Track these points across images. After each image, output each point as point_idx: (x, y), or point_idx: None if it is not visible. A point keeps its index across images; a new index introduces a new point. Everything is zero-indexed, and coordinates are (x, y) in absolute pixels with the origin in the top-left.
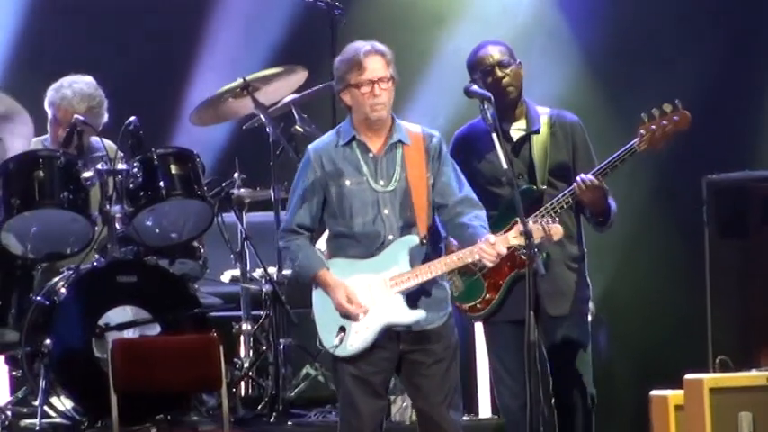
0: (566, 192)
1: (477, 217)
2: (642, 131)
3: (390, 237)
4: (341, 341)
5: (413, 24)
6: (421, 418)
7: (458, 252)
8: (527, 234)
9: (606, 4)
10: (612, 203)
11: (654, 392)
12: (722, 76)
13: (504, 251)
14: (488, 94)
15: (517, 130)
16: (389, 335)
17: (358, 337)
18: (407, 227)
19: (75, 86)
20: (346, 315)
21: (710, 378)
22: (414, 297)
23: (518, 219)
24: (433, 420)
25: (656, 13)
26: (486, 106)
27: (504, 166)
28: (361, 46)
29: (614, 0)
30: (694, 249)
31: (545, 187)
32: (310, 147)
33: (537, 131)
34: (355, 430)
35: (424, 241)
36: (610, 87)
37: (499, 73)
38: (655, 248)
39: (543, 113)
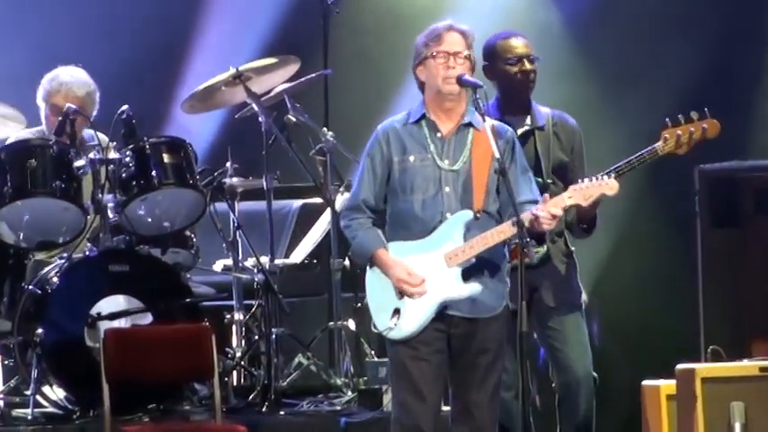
0: (604, 174)
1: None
2: (666, 135)
3: (448, 215)
4: (395, 323)
5: (406, 14)
6: (455, 407)
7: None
8: (519, 224)
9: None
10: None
11: (646, 382)
12: (714, 67)
13: (559, 212)
14: (480, 83)
15: (520, 126)
16: (441, 317)
17: (414, 317)
18: (465, 205)
19: (73, 73)
20: (404, 293)
21: (703, 368)
22: (466, 272)
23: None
24: (469, 410)
25: (649, 6)
26: (478, 95)
27: (497, 155)
28: (442, 23)
29: None
30: (686, 239)
31: (550, 181)
32: (380, 126)
33: (542, 128)
34: (420, 414)
35: (479, 216)
36: (601, 80)
37: (528, 66)
38: (647, 238)
39: (545, 112)
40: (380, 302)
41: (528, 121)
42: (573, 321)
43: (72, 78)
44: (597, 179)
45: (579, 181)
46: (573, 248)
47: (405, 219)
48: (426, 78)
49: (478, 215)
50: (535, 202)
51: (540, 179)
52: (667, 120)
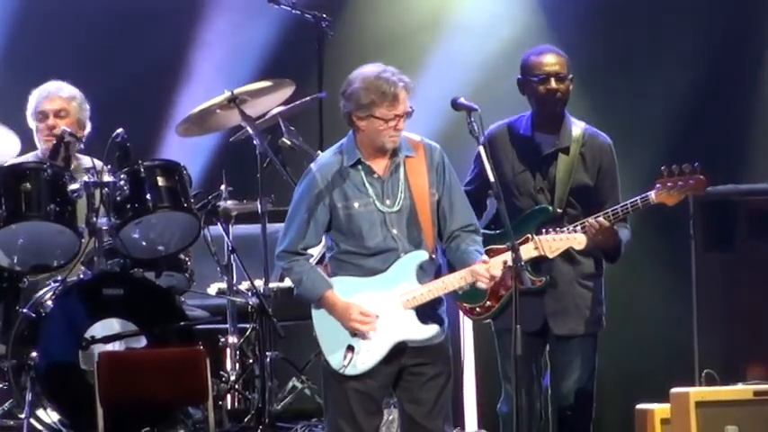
0: (577, 224)
1: (474, 242)
2: (659, 185)
3: (402, 254)
4: (350, 361)
5: (399, 38)
6: (414, 430)
7: (467, 268)
8: (514, 249)
9: (592, 15)
10: (624, 234)
11: (640, 406)
12: (709, 89)
13: (498, 273)
14: (475, 106)
15: (548, 145)
16: (396, 350)
17: (370, 356)
18: (416, 245)
19: (55, 83)
20: (357, 333)
21: (697, 392)
22: (420, 312)
23: (529, 234)
24: None
25: (641, 23)
26: (473, 119)
27: (491, 179)
28: (395, 79)
29: (600, 11)
30: (681, 263)
31: (560, 211)
32: (314, 167)
33: (566, 150)
34: None
35: (433, 256)
36: (595, 97)
37: (554, 84)
38: (641, 261)
39: (577, 129)
40: (332, 340)
41: (555, 140)
42: (580, 357)
43: (53, 86)
44: (567, 231)
45: (550, 231)
46: (604, 268)
47: (356, 258)
48: (367, 130)
49: (433, 256)
50: (469, 226)
51: (550, 207)
52: (663, 168)
